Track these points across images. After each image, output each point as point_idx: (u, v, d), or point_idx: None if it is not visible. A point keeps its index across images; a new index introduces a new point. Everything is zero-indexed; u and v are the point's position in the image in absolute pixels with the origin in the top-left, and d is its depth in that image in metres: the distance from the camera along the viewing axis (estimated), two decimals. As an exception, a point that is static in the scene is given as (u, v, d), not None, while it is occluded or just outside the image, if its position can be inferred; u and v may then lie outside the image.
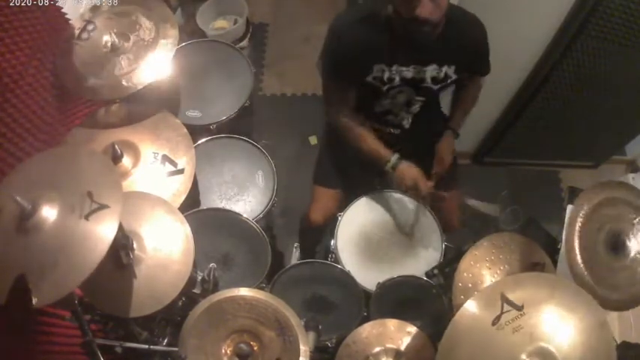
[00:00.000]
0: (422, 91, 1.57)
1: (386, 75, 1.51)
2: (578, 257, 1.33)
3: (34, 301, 0.97)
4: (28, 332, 1.34)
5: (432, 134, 1.77)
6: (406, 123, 1.71)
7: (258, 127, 2.51)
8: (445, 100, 1.84)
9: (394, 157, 1.60)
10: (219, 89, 1.94)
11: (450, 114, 1.80)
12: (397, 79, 1.52)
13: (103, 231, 1.01)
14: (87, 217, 1.02)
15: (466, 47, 1.50)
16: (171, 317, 1.42)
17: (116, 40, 1.51)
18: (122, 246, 1.16)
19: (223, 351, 1.27)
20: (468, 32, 1.50)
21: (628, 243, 1.32)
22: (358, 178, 1.85)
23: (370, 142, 1.62)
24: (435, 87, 1.55)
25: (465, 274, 1.44)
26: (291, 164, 2.66)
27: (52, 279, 0.99)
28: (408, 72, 1.51)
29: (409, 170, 1.60)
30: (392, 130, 1.73)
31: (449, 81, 1.55)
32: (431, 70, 1.51)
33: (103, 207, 1.03)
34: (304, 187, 1.97)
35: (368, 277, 1.63)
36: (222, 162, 1.83)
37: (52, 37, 1.55)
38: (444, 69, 1.51)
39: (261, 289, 1.55)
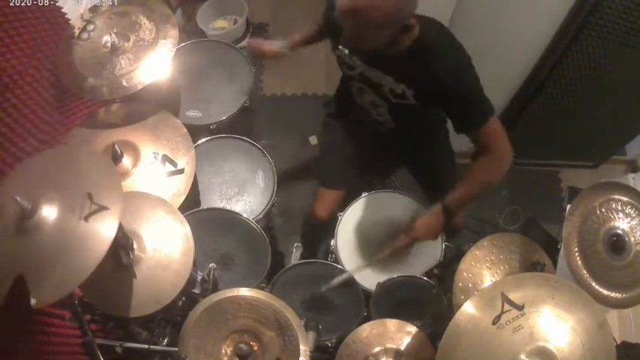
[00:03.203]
0: (383, 98, 1.55)
1: (346, 59, 1.51)
2: (578, 257, 1.33)
3: (34, 301, 0.97)
4: (28, 332, 1.34)
5: (420, 141, 1.79)
6: (388, 124, 1.68)
7: (258, 127, 2.51)
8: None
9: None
10: (219, 89, 1.94)
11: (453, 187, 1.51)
12: (356, 70, 1.51)
13: (103, 232, 1.01)
14: (86, 219, 1.02)
15: (427, 79, 1.38)
16: (171, 317, 1.42)
17: (116, 40, 1.51)
18: (122, 246, 1.16)
19: (223, 351, 1.27)
20: (434, 67, 1.36)
21: (627, 243, 1.32)
22: (358, 178, 1.85)
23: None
24: (394, 100, 1.51)
25: (465, 274, 1.44)
26: (291, 164, 2.65)
27: (52, 279, 0.99)
28: (368, 71, 1.49)
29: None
30: (376, 126, 1.71)
31: (406, 102, 1.48)
32: (389, 82, 1.47)
33: (102, 208, 1.03)
34: (304, 187, 1.97)
35: (368, 277, 1.63)
36: (223, 162, 1.83)
37: (52, 37, 1.55)
38: (402, 87, 1.45)
39: (261, 289, 1.55)
